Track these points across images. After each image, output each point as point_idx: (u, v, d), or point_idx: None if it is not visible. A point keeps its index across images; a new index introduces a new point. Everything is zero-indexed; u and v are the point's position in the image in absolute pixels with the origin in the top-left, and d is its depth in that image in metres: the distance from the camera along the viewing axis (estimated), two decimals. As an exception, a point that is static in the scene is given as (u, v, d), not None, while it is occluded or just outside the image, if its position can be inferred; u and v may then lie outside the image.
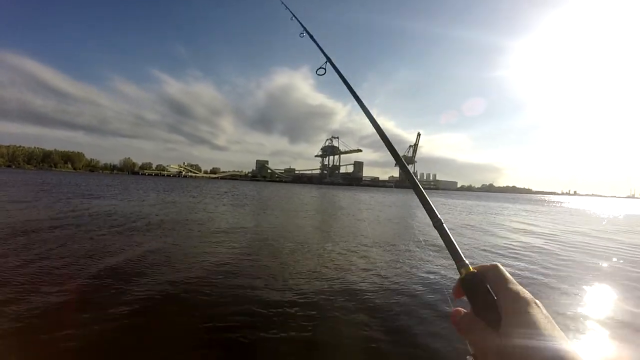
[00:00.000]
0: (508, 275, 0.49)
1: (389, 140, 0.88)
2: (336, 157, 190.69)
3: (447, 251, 0.57)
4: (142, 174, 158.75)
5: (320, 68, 1.33)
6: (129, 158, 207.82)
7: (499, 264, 0.51)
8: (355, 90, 1.03)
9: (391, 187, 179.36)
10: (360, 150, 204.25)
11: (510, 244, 9.01)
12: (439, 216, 0.63)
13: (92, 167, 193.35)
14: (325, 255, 6.53)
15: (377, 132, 0.92)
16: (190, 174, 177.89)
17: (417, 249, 7.42)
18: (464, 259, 0.55)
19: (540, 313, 0.43)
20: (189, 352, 2.84)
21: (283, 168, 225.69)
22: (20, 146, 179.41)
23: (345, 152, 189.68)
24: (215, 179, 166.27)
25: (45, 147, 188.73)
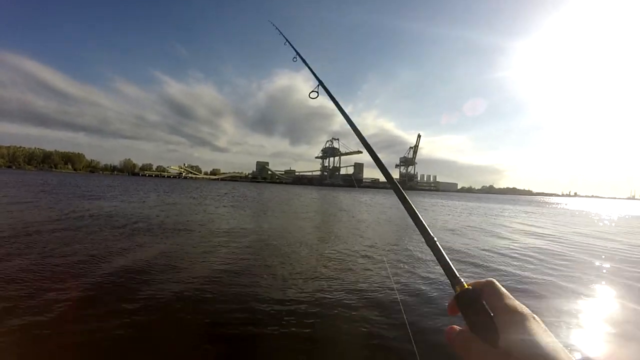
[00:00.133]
0: (504, 290, 0.49)
1: (381, 162, 0.89)
2: (336, 158, 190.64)
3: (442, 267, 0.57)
4: (142, 175, 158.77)
5: (312, 91, 1.35)
6: (129, 159, 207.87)
7: (494, 280, 0.51)
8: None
9: (391, 188, 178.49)
10: (361, 152, 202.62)
11: (511, 245, 9.02)
12: (432, 234, 0.62)
13: (93, 168, 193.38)
14: (326, 255, 6.54)
15: (368, 151, 0.94)
16: (190, 175, 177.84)
17: (418, 249, 7.43)
18: (458, 275, 0.55)
19: (539, 327, 0.42)
20: (191, 349, 2.86)
21: (283, 169, 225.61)
22: (20, 147, 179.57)
23: (346, 154, 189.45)
24: (216, 180, 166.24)
25: (46, 148, 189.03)
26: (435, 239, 0.62)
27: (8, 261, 4.94)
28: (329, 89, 1.28)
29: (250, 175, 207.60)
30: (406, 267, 5.89)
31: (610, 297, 4.91)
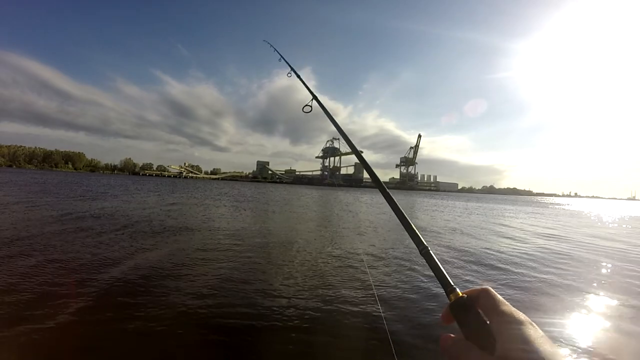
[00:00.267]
0: (499, 297, 0.48)
1: (375, 175, 0.91)
2: (337, 158, 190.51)
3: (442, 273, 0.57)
4: (142, 175, 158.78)
5: (306, 105, 1.39)
6: (129, 158, 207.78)
7: (489, 287, 0.50)
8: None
9: (392, 188, 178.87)
10: (362, 152, 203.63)
11: (513, 244, 9.02)
12: (425, 243, 0.62)
13: (93, 167, 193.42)
14: (326, 254, 6.53)
15: (361, 162, 0.97)
16: (191, 174, 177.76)
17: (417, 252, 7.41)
18: (452, 284, 0.54)
19: (536, 333, 0.42)
20: (193, 347, 2.86)
21: (284, 169, 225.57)
22: (21, 146, 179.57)
23: (346, 154, 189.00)
24: (216, 179, 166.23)
25: (47, 147, 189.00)
26: (429, 247, 0.61)
27: (10, 262, 4.95)
28: (322, 103, 1.32)
29: (250, 175, 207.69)
30: (409, 265, 5.89)
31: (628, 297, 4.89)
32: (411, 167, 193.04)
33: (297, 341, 3.08)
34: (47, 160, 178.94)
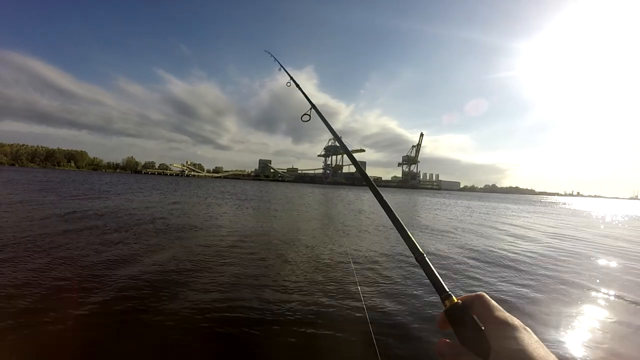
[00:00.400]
0: (494, 303, 0.49)
1: (369, 178, 0.91)
2: (339, 156, 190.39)
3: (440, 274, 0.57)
4: (144, 173, 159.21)
5: (305, 114, 1.40)
6: (131, 157, 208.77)
7: (484, 293, 0.51)
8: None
9: (394, 186, 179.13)
10: (364, 150, 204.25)
11: (523, 245, 8.94)
12: (421, 250, 0.62)
13: (95, 166, 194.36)
14: (327, 254, 6.48)
15: (356, 167, 1.01)
16: (193, 173, 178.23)
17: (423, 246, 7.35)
18: (447, 290, 0.54)
19: (530, 338, 0.42)
20: (193, 346, 2.81)
21: (286, 167, 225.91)
22: (23, 145, 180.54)
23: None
24: (218, 178, 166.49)
25: (49, 146, 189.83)
26: (425, 254, 0.61)
27: (15, 262, 4.91)
28: (320, 112, 1.36)
29: (252, 174, 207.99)
30: (409, 264, 5.83)
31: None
32: (413, 165, 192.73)
33: (300, 335, 3.11)
34: (49, 158, 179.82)
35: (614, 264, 7.21)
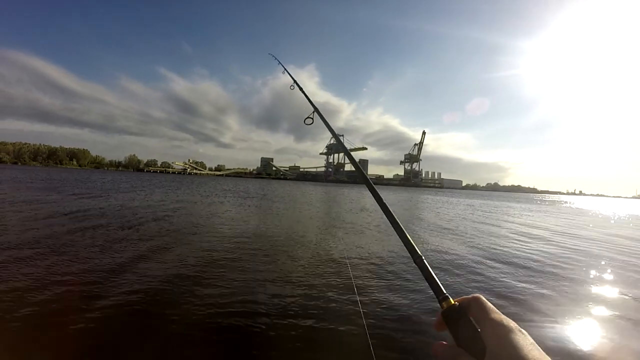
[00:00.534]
0: (490, 305, 0.49)
1: (368, 179, 0.94)
2: (341, 155, 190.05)
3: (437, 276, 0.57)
4: (147, 171, 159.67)
5: (308, 117, 1.43)
6: (134, 155, 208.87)
7: (480, 295, 0.51)
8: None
9: (396, 185, 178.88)
10: (366, 148, 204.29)
11: (520, 244, 8.89)
12: (419, 252, 0.62)
13: (98, 164, 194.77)
14: (326, 252, 6.46)
15: (356, 168, 1.02)
16: (195, 171, 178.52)
17: (424, 247, 7.33)
18: (445, 292, 0.55)
19: (525, 340, 0.42)
20: (194, 345, 2.79)
21: (288, 166, 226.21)
22: (26, 143, 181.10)
23: (351, 150, 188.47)
24: (220, 176, 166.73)
25: (51, 144, 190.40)
26: (423, 257, 0.61)
27: (20, 263, 4.92)
28: (323, 116, 1.39)
29: (254, 172, 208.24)
30: (409, 263, 5.79)
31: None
32: (415, 163, 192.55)
33: (302, 329, 3.16)
34: (51, 157, 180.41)
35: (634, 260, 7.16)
